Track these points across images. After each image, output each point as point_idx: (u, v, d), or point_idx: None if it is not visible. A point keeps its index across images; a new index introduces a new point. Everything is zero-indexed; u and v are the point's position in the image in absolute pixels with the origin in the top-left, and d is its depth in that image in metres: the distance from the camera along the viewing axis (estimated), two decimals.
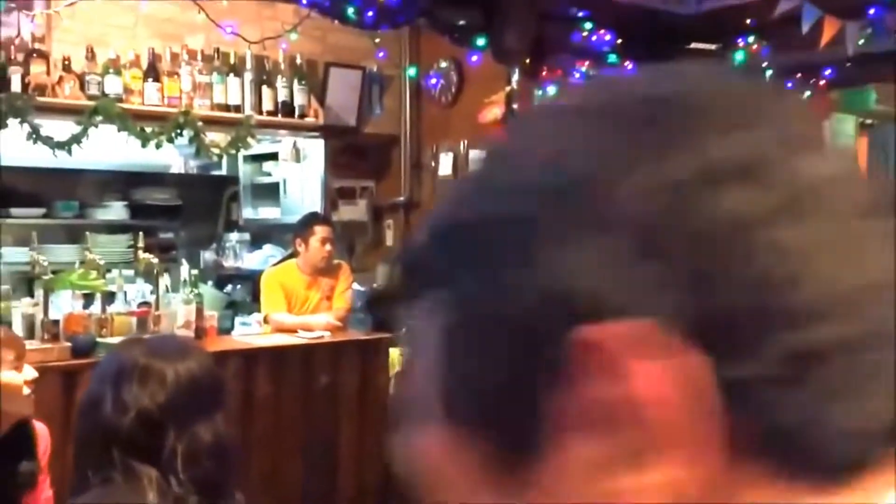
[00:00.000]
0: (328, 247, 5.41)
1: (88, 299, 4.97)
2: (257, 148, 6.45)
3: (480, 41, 5.15)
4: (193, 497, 1.81)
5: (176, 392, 1.86)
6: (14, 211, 6.38)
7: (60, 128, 4.89)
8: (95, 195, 6.84)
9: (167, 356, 1.90)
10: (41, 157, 5.09)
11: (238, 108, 5.46)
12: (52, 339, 4.56)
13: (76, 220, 6.63)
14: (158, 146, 5.11)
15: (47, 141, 4.82)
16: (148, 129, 5.07)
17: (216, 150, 5.30)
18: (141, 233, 5.61)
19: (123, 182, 6.91)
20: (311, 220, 5.50)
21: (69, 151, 4.89)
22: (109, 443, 1.82)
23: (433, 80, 5.75)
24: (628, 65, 5.35)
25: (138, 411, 1.82)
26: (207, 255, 7.03)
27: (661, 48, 5.10)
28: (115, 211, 6.80)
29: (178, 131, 5.14)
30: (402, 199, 5.91)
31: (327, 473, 5.15)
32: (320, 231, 5.39)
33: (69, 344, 4.53)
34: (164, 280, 5.06)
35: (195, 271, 5.22)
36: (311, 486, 5.09)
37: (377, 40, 5.54)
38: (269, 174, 6.61)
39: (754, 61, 5.15)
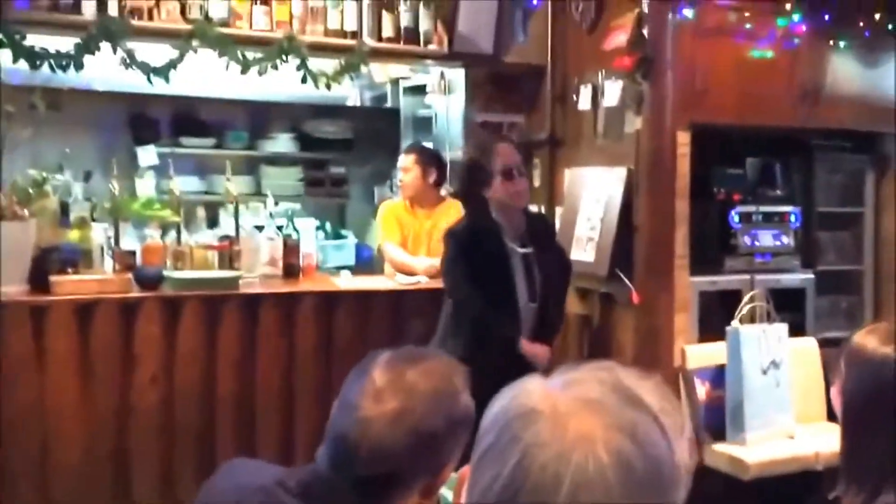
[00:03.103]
0: (406, 176, 5.08)
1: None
2: (416, 79, 6.11)
3: None
4: None
5: None
6: (185, 140, 6.46)
7: (158, 53, 4.76)
8: (265, 127, 6.78)
9: None
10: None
11: (355, 35, 5.08)
12: (123, 270, 4.50)
13: (246, 152, 6.62)
14: (261, 73, 4.86)
15: (142, 66, 4.71)
16: (251, 56, 4.83)
17: (323, 79, 4.97)
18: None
19: (295, 114, 6.78)
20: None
21: (166, 78, 4.75)
22: None
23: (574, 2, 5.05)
24: None
25: None
26: (381, 191, 6.79)
27: None
28: (283, 143, 6.70)
29: (283, 57, 4.87)
30: (543, 135, 5.30)
31: None
32: (400, 160, 5.16)
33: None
34: (250, 213, 4.86)
35: (296, 205, 4.98)
36: None
37: None
38: (429, 107, 6.22)
39: None
